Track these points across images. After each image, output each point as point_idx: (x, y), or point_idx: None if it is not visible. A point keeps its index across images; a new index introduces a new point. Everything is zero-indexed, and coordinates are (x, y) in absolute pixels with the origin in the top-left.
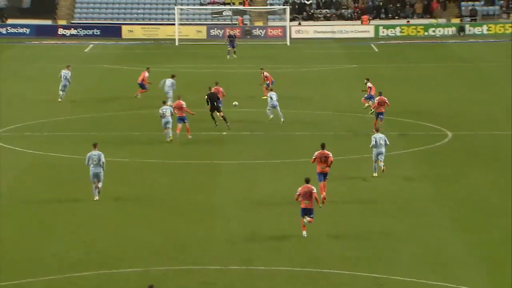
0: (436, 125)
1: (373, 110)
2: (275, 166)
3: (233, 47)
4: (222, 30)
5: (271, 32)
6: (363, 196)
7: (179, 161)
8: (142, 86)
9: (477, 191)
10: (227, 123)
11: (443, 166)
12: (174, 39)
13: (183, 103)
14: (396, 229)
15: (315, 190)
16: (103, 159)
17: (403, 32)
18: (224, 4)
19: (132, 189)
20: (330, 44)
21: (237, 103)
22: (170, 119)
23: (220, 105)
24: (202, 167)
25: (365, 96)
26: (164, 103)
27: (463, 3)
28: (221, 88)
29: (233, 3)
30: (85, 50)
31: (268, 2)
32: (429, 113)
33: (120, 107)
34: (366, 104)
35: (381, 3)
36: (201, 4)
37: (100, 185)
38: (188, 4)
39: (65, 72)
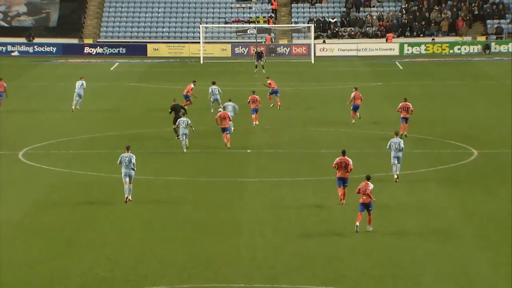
0: (461, 143)
1: (357, 117)
2: (299, 184)
3: (261, 61)
4: (247, 48)
5: (295, 50)
6: (387, 213)
7: (203, 178)
8: (186, 97)
9: (503, 209)
10: (177, 135)
11: (469, 184)
12: (199, 57)
13: (228, 113)
14: (421, 246)
15: (371, 187)
16: (133, 161)
17: (428, 50)
18: (249, 22)
19: (157, 206)
20: (355, 62)
21: (221, 109)
22: (186, 131)
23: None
24: (226, 184)
25: (352, 107)
26: (184, 114)
27: (488, 21)
28: (257, 97)
29: (258, 21)
30: (111, 68)
31: (292, 20)
32: (454, 131)
33: (145, 124)
34: (353, 121)
35: (406, 21)
36: (226, 23)
37: (131, 186)
38: (213, 23)
39: (79, 83)
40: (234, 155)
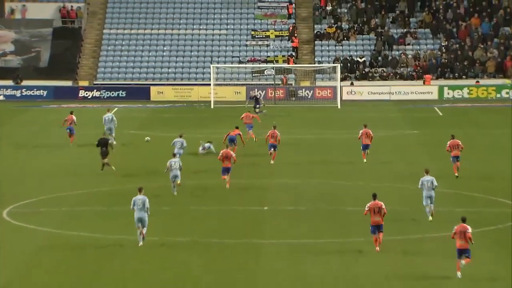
0: (510, 201)
1: (364, 159)
2: (322, 246)
3: (257, 108)
4: (264, 91)
5: (319, 93)
6: (427, 283)
7: (214, 239)
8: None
9: None
10: (102, 168)
11: None
12: (209, 101)
13: (232, 153)
14: None
15: (470, 230)
16: (147, 204)
17: (471, 94)
18: (266, 62)
19: (162, 271)
20: (387, 107)
21: (149, 138)
22: (178, 172)
23: (107, 150)
24: (239, 246)
25: (361, 147)
26: (174, 155)
27: None
28: (278, 133)
29: (276, 61)
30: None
31: (316, 59)
32: (502, 187)
33: (148, 178)
34: (365, 160)
35: (446, 60)
36: (240, 62)
37: (144, 230)
38: (225, 62)
39: (107, 116)
40: (249, 212)
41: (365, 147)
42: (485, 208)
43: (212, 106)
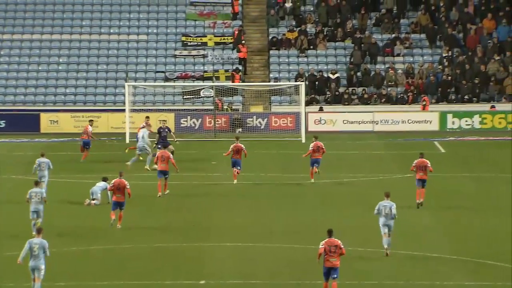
0: None
1: (317, 172)
2: None
3: (165, 146)
4: (200, 119)
5: (276, 122)
6: None
7: None
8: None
9: None
10: None
11: None
12: (124, 133)
13: (126, 183)
14: None
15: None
16: (48, 252)
17: (484, 124)
18: (203, 79)
19: None
20: (370, 141)
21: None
22: (41, 207)
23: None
24: None
25: (310, 162)
26: (37, 183)
27: None
28: (242, 146)
29: (217, 78)
30: None
31: (271, 75)
32: None
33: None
34: (312, 180)
35: (449, 77)
36: (166, 80)
37: (38, 285)
38: (145, 79)
39: (141, 133)
40: None
41: (315, 162)
42: (496, 280)
43: (127, 140)
